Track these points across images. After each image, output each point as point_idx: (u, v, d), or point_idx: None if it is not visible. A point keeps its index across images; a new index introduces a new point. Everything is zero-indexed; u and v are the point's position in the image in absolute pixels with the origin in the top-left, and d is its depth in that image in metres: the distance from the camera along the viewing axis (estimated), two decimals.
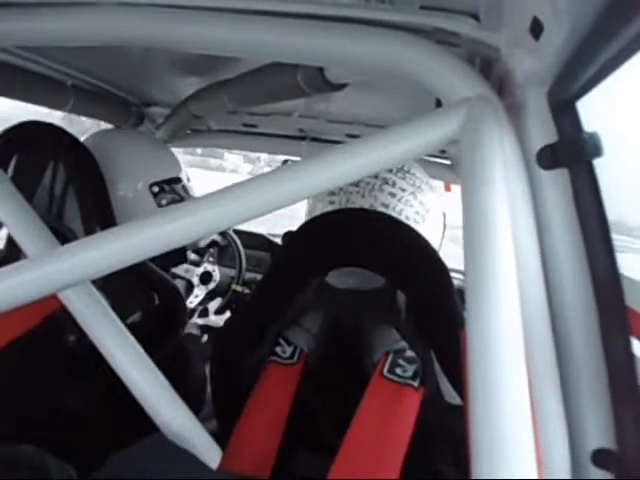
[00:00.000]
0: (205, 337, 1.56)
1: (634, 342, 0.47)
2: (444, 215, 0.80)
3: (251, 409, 0.60)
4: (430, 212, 0.74)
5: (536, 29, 0.45)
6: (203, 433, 0.61)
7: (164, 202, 1.10)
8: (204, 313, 1.63)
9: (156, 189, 1.09)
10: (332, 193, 0.74)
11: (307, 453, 0.58)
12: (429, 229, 0.73)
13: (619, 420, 0.49)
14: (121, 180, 1.05)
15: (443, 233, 0.79)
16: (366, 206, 0.71)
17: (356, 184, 0.72)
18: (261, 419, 0.59)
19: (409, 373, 0.59)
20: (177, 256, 1.20)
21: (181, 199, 1.12)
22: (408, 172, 0.74)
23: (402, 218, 0.71)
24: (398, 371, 0.59)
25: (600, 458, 0.49)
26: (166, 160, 1.16)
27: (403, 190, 0.72)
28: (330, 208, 0.73)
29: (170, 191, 1.12)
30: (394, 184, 0.72)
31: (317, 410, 0.63)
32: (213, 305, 1.69)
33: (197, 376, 1.03)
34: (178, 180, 1.15)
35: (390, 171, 0.73)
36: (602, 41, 0.39)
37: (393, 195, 0.72)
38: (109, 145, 1.06)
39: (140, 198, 1.06)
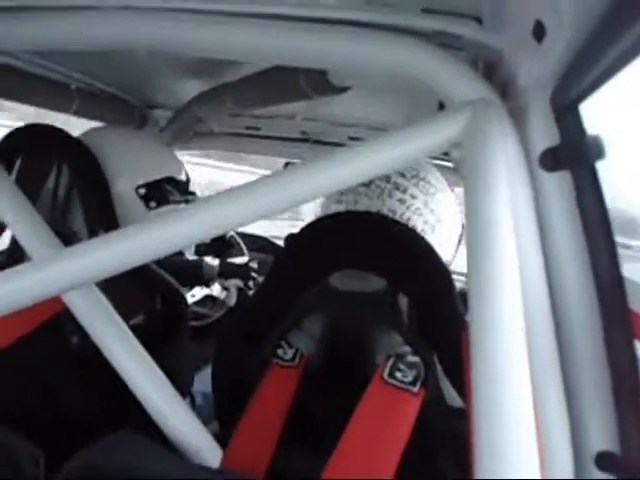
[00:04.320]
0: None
1: (637, 344, 0.47)
2: (463, 226, 0.74)
3: (251, 410, 0.61)
4: (442, 222, 0.71)
5: (539, 32, 0.45)
6: (205, 434, 0.61)
7: (153, 204, 1.03)
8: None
9: (143, 191, 1.02)
10: (341, 193, 0.71)
11: (307, 455, 0.58)
12: (440, 240, 0.70)
13: (622, 423, 0.48)
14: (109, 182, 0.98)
15: (459, 244, 0.75)
16: (373, 210, 0.68)
17: (367, 186, 0.70)
18: (260, 420, 0.60)
19: (409, 378, 0.58)
20: None
21: (175, 200, 1.07)
22: (423, 179, 0.71)
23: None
24: (398, 375, 0.59)
25: (603, 461, 0.48)
26: (156, 159, 1.08)
27: (414, 197, 0.69)
28: (338, 207, 0.71)
29: (160, 192, 1.05)
30: (405, 190, 0.69)
31: (317, 412, 0.63)
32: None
33: None
34: (171, 180, 1.08)
35: (403, 176, 0.70)
36: (605, 44, 0.39)
37: (402, 202, 0.69)
38: (97, 145, 0.99)
39: (128, 201, 1.01)
